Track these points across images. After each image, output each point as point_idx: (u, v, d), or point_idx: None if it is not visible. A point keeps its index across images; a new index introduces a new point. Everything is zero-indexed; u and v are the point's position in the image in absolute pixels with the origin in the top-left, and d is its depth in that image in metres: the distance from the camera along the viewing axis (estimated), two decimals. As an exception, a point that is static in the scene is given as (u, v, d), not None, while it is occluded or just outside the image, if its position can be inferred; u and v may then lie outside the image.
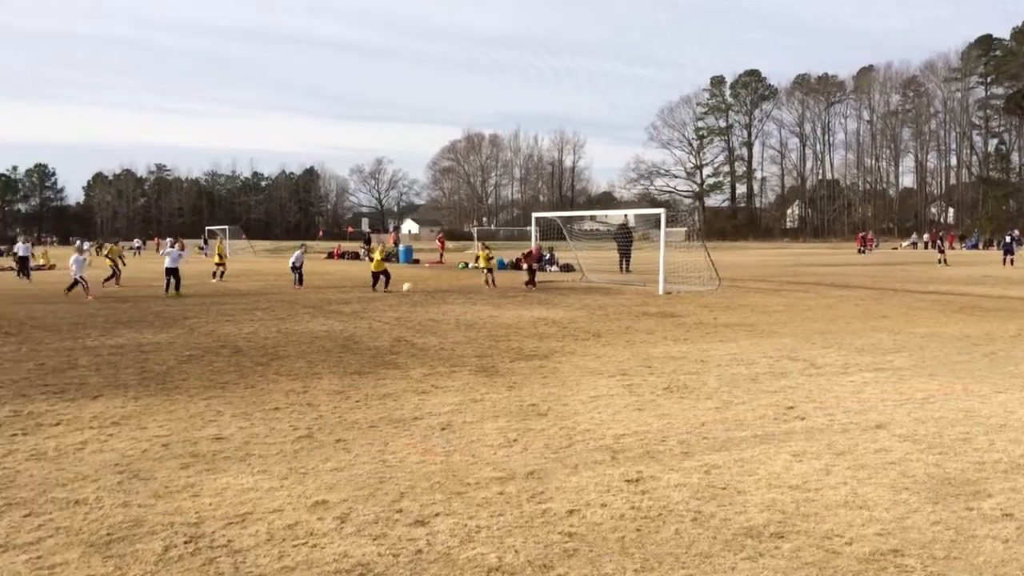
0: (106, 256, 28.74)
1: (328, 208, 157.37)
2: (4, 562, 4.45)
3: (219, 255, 30.01)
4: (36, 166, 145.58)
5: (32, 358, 11.51)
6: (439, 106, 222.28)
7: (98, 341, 13.30)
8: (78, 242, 42.65)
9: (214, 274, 29.21)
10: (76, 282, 21.90)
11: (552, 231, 35.96)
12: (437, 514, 5.19)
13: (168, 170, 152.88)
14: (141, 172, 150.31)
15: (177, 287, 22.51)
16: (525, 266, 27.21)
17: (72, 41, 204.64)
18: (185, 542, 4.73)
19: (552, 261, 36.58)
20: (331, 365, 10.99)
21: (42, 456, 6.55)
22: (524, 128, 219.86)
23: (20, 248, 32.22)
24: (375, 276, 24.24)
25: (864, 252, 60.65)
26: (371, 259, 24.47)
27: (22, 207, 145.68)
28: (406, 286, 22.85)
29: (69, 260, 22.84)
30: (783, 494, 5.55)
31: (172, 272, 22.57)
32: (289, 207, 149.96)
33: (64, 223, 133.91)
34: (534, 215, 32.57)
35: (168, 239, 35.33)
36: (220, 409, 8.28)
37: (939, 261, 40.27)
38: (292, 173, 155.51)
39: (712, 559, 4.49)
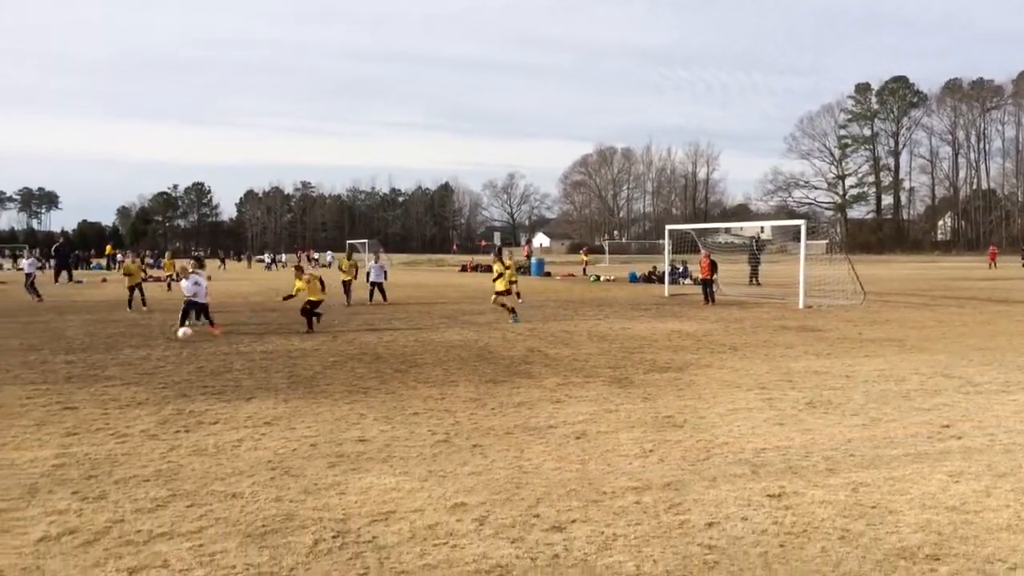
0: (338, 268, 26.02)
1: (462, 222, 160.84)
2: (171, 548, 4.76)
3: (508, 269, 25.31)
4: (194, 184, 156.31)
5: (192, 362, 12.29)
6: (570, 120, 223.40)
7: (251, 347, 14.07)
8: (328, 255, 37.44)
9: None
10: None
11: (685, 244, 35.43)
12: (574, 520, 5.20)
13: (312, 187, 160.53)
14: (288, 189, 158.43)
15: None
16: (701, 279, 24.80)
17: (227, 67, 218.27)
18: (333, 537, 4.94)
19: (685, 274, 36.01)
20: (467, 373, 11.20)
21: (203, 452, 6.98)
22: (657, 141, 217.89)
23: (25, 264, 27.70)
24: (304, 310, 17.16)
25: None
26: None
27: (181, 223, 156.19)
28: (181, 331, 15.12)
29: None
30: (939, 515, 5.25)
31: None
32: (424, 222, 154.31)
33: (219, 238, 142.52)
34: (667, 227, 32.17)
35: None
36: (363, 412, 8.59)
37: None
38: (428, 189, 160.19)
39: (862, 578, 4.30)
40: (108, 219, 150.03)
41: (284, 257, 78.18)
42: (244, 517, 5.29)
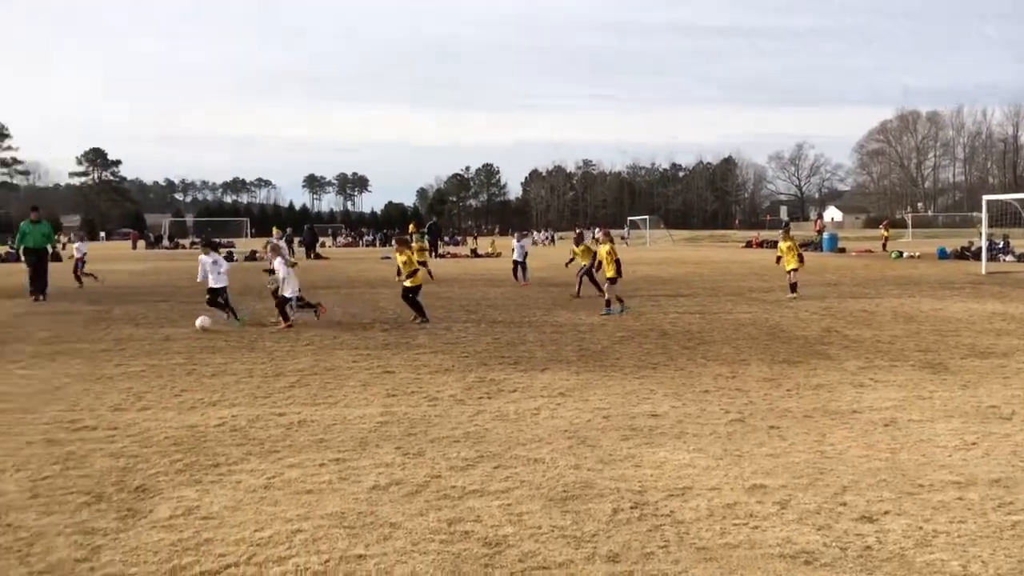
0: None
1: (745, 197, 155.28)
2: (482, 505, 5.11)
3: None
4: (484, 166, 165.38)
5: (489, 333, 13.04)
6: (865, 84, 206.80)
7: (541, 320, 14.65)
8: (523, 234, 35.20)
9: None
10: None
11: (1006, 217, 31.64)
12: (886, 512, 4.87)
13: (593, 165, 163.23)
14: (570, 168, 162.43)
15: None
16: None
17: (513, 50, 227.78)
18: (631, 507, 5.02)
19: (1006, 249, 32.13)
20: (758, 352, 10.85)
21: (505, 418, 7.41)
22: (969, 103, 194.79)
23: (76, 249, 25.36)
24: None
25: None
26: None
27: (472, 202, 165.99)
28: (199, 321, 13.60)
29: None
30: None
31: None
32: (706, 196, 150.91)
33: (506, 216, 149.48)
34: (984, 198, 28.85)
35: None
36: (653, 388, 8.63)
37: None
38: (709, 163, 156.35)
39: None
40: (409, 200, 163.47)
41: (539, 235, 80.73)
42: (546, 481, 5.54)
